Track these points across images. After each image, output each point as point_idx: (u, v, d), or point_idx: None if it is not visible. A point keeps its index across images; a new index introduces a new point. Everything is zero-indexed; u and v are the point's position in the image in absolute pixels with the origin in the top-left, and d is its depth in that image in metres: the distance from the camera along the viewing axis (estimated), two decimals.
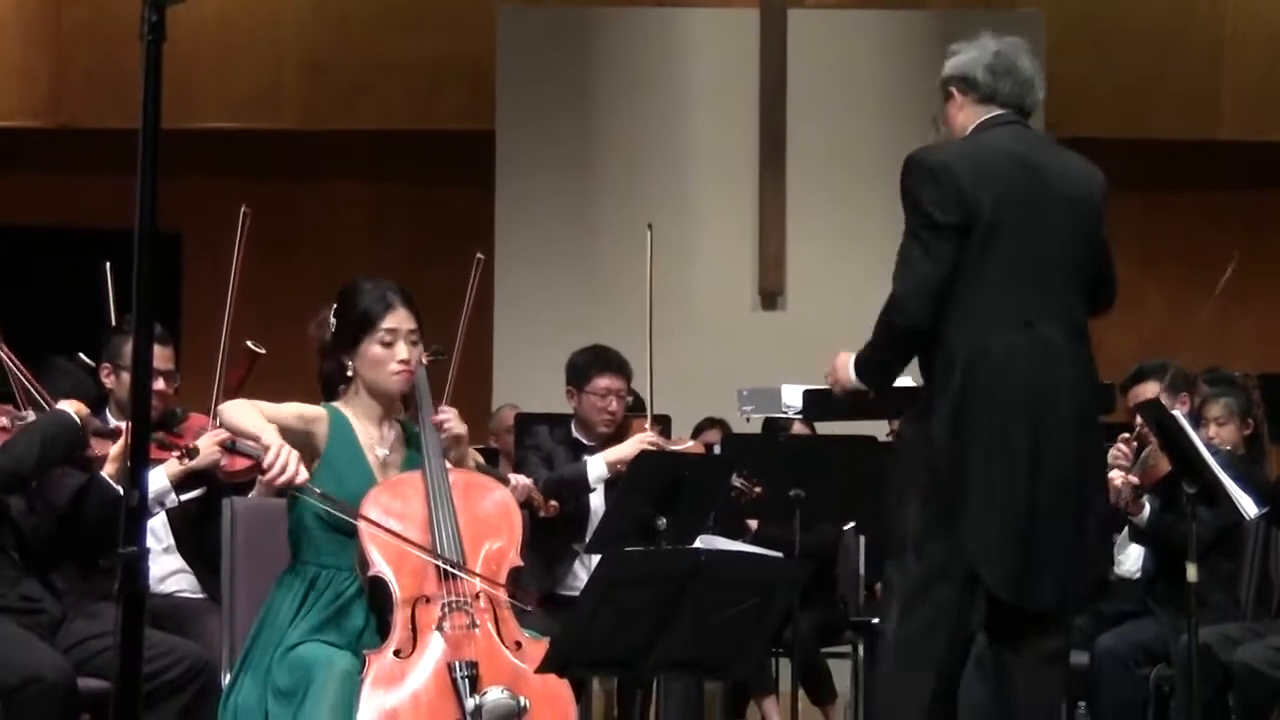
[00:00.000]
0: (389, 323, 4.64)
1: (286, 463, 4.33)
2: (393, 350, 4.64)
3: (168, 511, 5.76)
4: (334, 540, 4.54)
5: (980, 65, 4.80)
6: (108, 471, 5.30)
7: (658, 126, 10.64)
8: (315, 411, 4.64)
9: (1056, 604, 4.66)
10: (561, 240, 10.74)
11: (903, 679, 4.69)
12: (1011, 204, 4.62)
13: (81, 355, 5.95)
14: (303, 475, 4.37)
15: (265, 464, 4.36)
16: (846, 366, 4.79)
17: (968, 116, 4.80)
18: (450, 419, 4.72)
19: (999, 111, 4.78)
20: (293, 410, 4.61)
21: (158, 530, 5.84)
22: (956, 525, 4.56)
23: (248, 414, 4.51)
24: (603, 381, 6.68)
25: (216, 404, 5.93)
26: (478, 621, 4.41)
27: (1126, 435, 6.32)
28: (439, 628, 4.37)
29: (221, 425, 5.03)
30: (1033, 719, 4.75)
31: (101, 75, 11.22)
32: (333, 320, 4.70)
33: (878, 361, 4.74)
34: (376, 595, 4.48)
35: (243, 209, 6.16)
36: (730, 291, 10.57)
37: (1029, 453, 4.56)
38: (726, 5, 11.14)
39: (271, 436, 4.38)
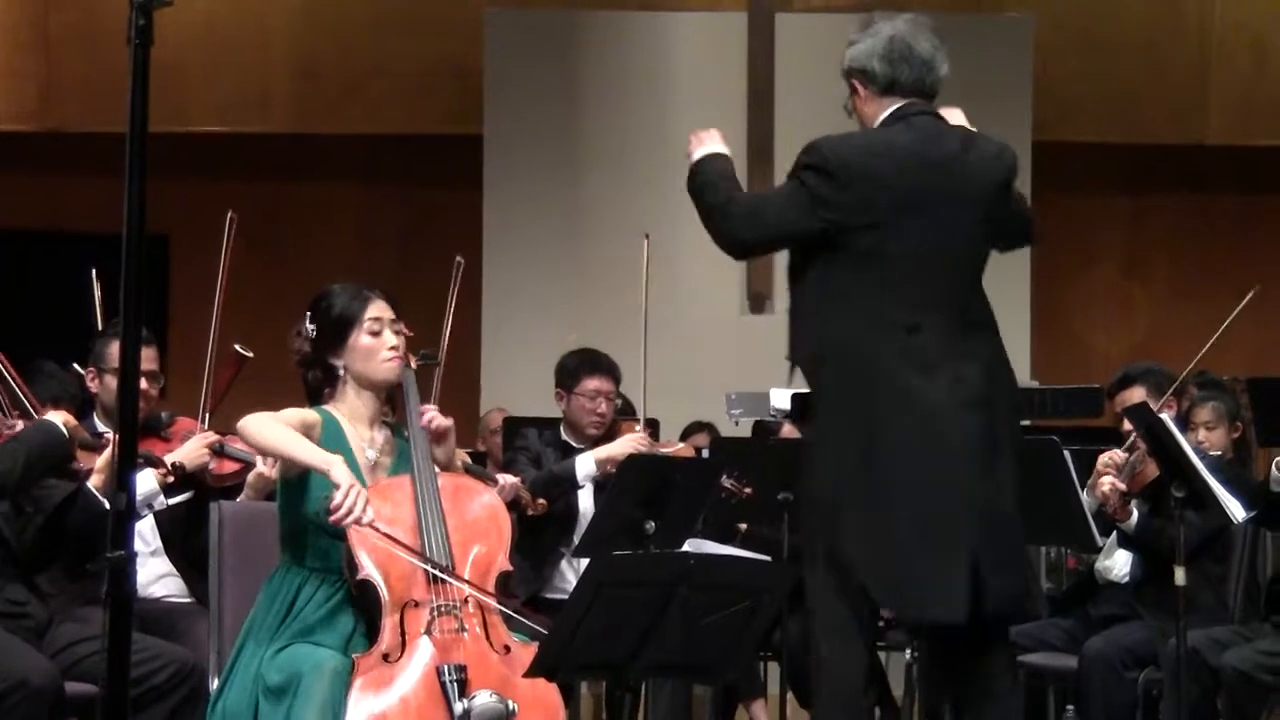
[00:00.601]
0: (372, 312, 4.67)
1: (355, 504, 4.32)
2: (381, 338, 4.67)
3: (155, 515, 5.76)
4: (323, 544, 4.54)
5: (875, 56, 4.71)
6: (94, 483, 5.28)
7: (645, 129, 10.63)
8: (312, 416, 4.64)
9: (958, 616, 4.47)
10: (550, 243, 10.74)
11: (835, 691, 4.65)
12: (908, 207, 4.55)
13: (76, 366, 5.94)
14: (369, 515, 4.36)
15: (334, 504, 4.31)
16: (704, 146, 4.79)
17: (873, 109, 4.74)
18: (434, 413, 4.72)
19: (902, 103, 4.68)
20: (295, 416, 4.59)
21: (145, 534, 5.84)
22: (838, 531, 4.52)
23: (284, 435, 4.47)
24: (592, 384, 6.69)
25: (204, 407, 5.94)
26: (466, 625, 4.41)
27: (1119, 452, 6.30)
28: (428, 631, 4.37)
29: (250, 445, 4.87)
30: None
31: (90, 79, 11.21)
32: (311, 327, 4.70)
33: (697, 190, 4.73)
34: (365, 599, 4.47)
35: (229, 215, 6.15)
36: (718, 295, 10.57)
37: (909, 458, 4.47)
38: (714, 9, 11.15)
39: (341, 472, 4.36)
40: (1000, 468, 4.57)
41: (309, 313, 4.74)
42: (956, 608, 4.45)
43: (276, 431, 4.48)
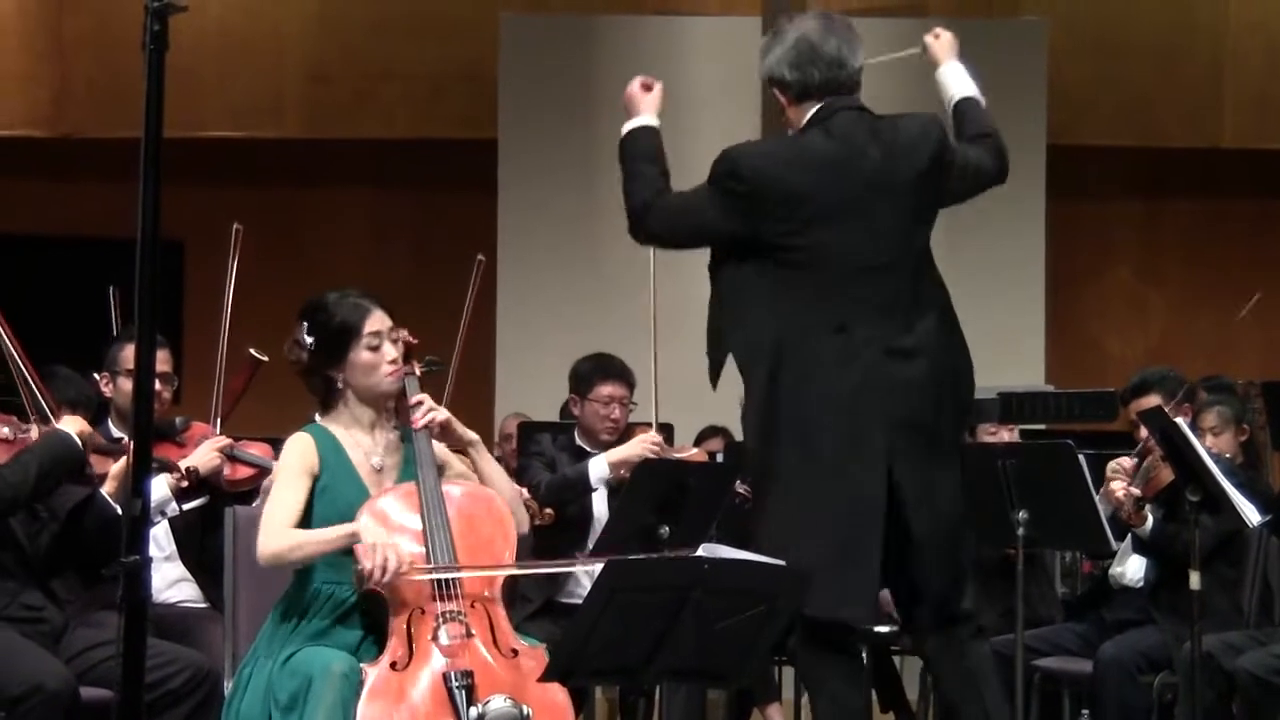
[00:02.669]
0: (371, 326, 4.62)
1: (386, 559, 4.32)
2: (380, 352, 4.63)
3: (170, 520, 5.76)
4: (334, 555, 4.52)
5: (784, 63, 4.74)
6: (108, 489, 5.29)
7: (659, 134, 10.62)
8: (302, 445, 4.59)
9: (865, 619, 4.56)
10: (563, 247, 10.74)
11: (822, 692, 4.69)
12: (825, 215, 4.56)
13: (95, 375, 5.95)
14: (406, 564, 4.35)
15: (366, 570, 4.31)
16: (637, 115, 5.00)
17: (796, 115, 4.76)
18: (427, 407, 4.70)
19: (819, 105, 4.70)
20: (297, 464, 4.54)
21: (160, 539, 5.84)
22: (758, 534, 4.55)
23: (313, 540, 4.45)
24: (605, 389, 6.68)
25: (216, 412, 5.95)
26: (473, 631, 4.41)
27: (1127, 459, 6.30)
28: (435, 639, 4.37)
29: (298, 565, 4.61)
30: (966, 693, 4.70)
31: (104, 85, 11.23)
32: (308, 339, 4.65)
33: (623, 166, 4.99)
34: (373, 608, 4.47)
35: (235, 227, 6.17)
36: None
37: (833, 460, 4.50)
38: (728, 13, 11.15)
39: (369, 535, 4.36)
40: (935, 465, 4.58)
41: (305, 322, 4.67)
42: (864, 609, 4.53)
43: (299, 545, 4.45)
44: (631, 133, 4.83)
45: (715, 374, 4.73)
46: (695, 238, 4.73)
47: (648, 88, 4.92)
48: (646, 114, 4.85)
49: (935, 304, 4.69)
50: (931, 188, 4.69)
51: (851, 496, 4.51)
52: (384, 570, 4.30)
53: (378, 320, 4.64)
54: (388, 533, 4.45)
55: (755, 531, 4.59)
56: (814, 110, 4.70)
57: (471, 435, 4.80)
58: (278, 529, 4.46)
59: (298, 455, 4.56)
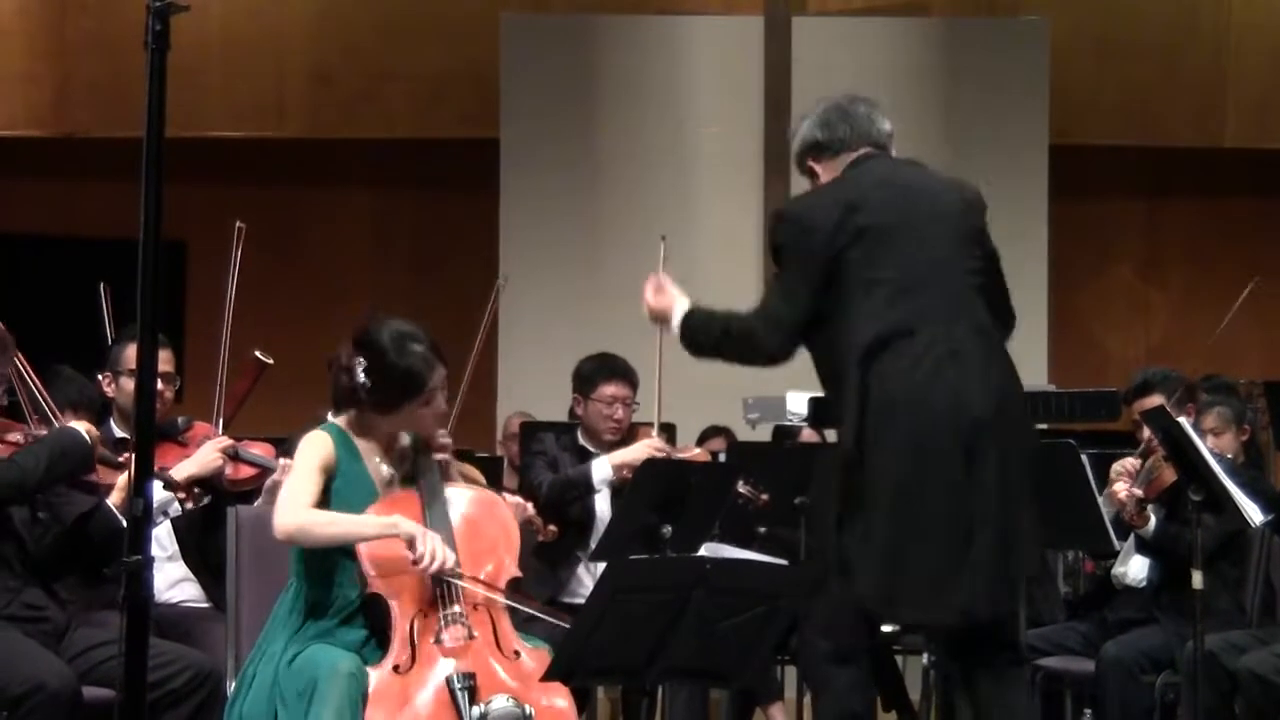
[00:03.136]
0: (434, 383, 4.59)
1: (435, 550, 4.34)
2: (433, 407, 4.63)
3: (172, 520, 5.76)
4: (333, 558, 4.52)
5: (816, 126, 4.84)
6: (114, 501, 5.29)
7: (662, 134, 10.63)
8: (321, 443, 4.58)
9: (960, 620, 4.51)
10: (566, 248, 10.74)
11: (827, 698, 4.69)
12: (886, 224, 4.60)
13: (98, 376, 5.95)
14: (452, 559, 4.38)
15: (415, 557, 4.33)
16: (673, 310, 4.85)
17: (831, 173, 4.81)
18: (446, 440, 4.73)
19: (854, 155, 4.77)
20: (315, 459, 4.53)
21: (162, 539, 5.84)
22: (839, 538, 4.54)
23: (349, 523, 4.46)
24: (609, 389, 6.68)
25: (219, 413, 5.94)
26: (475, 633, 4.41)
27: (1131, 460, 6.29)
28: (437, 641, 4.38)
29: (327, 545, 4.58)
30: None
31: (106, 84, 11.22)
32: (363, 378, 4.55)
33: (708, 346, 4.82)
34: (376, 611, 4.47)
35: (237, 224, 6.16)
36: (735, 298, 10.47)
37: (912, 464, 4.49)
38: (731, 13, 11.14)
39: (409, 526, 4.38)
40: (1003, 475, 4.56)
41: (361, 359, 4.56)
42: (949, 609, 4.48)
43: (332, 525, 4.46)
44: (684, 322, 4.84)
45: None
46: (804, 313, 4.69)
47: (659, 290, 4.93)
48: (679, 304, 4.87)
49: (985, 324, 4.71)
50: (973, 226, 4.73)
51: (932, 500, 4.50)
52: (437, 561, 4.31)
53: (439, 376, 4.61)
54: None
55: (840, 540, 4.55)
56: (850, 159, 4.75)
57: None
58: (301, 506, 4.44)
59: (316, 451, 4.55)
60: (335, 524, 4.45)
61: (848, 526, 4.52)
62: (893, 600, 4.53)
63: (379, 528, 4.42)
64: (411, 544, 4.35)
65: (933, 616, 4.58)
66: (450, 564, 4.36)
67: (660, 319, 4.94)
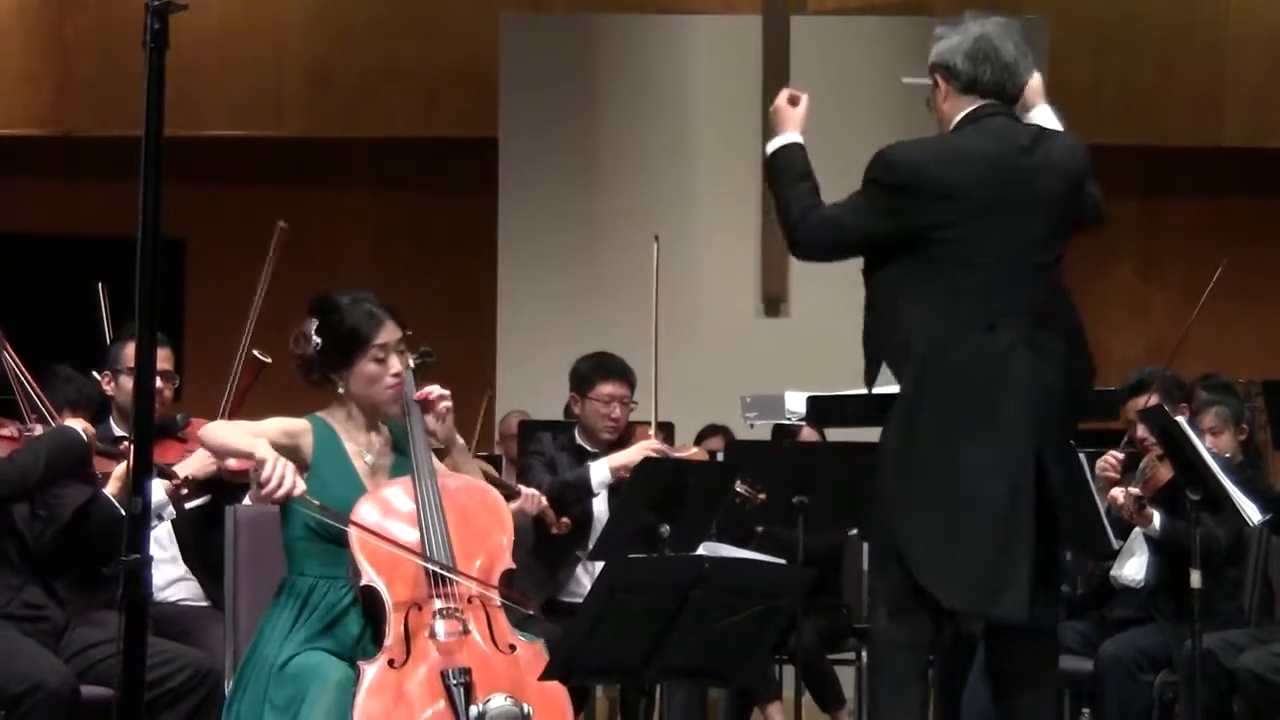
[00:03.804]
0: (381, 338, 4.61)
1: (283, 475, 4.32)
2: (385, 365, 4.62)
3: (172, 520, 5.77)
4: (327, 551, 4.53)
5: (960, 53, 4.73)
6: (111, 491, 5.30)
7: (661, 133, 10.64)
8: (299, 424, 4.62)
9: (1018, 614, 4.51)
10: (564, 246, 10.74)
11: (892, 686, 4.68)
12: (979, 213, 4.57)
13: (96, 374, 5.95)
14: (300, 487, 4.36)
15: (261, 479, 4.32)
16: (785, 130, 4.84)
17: (952, 106, 4.74)
18: (439, 390, 4.72)
19: (980, 104, 4.70)
20: (276, 426, 4.58)
21: (161, 538, 5.84)
22: (900, 532, 4.54)
23: (231, 432, 4.55)
24: (606, 388, 6.67)
25: (224, 412, 5.95)
26: (470, 627, 4.40)
27: (1115, 453, 6.30)
28: (432, 635, 4.36)
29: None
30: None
31: (104, 83, 11.23)
32: (316, 337, 4.64)
33: (780, 182, 4.79)
34: (370, 604, 4.47)
35: (279, 224, 6.16)
36: (733, 297, 10.56)
37: (979, 457, 4.50)
38: (729, 12, 11.14)
39: (265, 450, 4.37)
40: (1059, 474, 4.61)
41: (314, 320, 4.66)
42: (1019, 604, 4.48)
43: (228, 432, 4.56)
44: (778, 151, 4.81)
45: (871, 377, 4.72)
46: (852, 245, 4.68)
47: (794, 101, 4.89)
48: (792, 130, 4.83)
49: (1068, 311, 4.73)
50: (1071, 206, 4.73)
51: (1002, 494, 4.51)
52: (281, 487, 4.30)
53: (388, 332, 4.63)
54: (385, 521, 4.46)
55: (896, 530, 4.56)
56: (971, 107, 4.70)
57: (459, 440, 4.82)
58: (230, 422, 4.60)
59: (288, 421, 4.62)
60: (226, 435, 4.54)
61: (912, 520, 4.54)
62: (968, 595, 4.53)
63: (243, 446, 4.44)
64: (260, 468, 4.34)
65: (996, 613, 4.58)
66: (299, 492, 4.35)
67: (773, 123, 4.90)
